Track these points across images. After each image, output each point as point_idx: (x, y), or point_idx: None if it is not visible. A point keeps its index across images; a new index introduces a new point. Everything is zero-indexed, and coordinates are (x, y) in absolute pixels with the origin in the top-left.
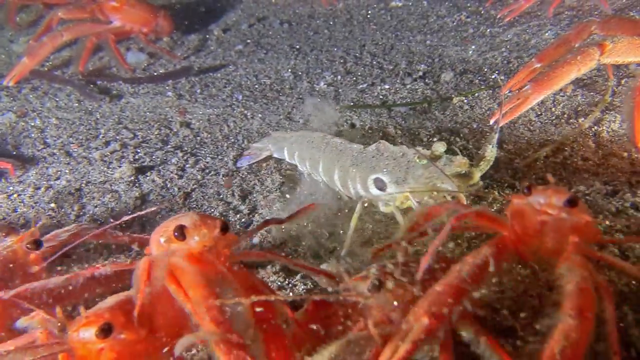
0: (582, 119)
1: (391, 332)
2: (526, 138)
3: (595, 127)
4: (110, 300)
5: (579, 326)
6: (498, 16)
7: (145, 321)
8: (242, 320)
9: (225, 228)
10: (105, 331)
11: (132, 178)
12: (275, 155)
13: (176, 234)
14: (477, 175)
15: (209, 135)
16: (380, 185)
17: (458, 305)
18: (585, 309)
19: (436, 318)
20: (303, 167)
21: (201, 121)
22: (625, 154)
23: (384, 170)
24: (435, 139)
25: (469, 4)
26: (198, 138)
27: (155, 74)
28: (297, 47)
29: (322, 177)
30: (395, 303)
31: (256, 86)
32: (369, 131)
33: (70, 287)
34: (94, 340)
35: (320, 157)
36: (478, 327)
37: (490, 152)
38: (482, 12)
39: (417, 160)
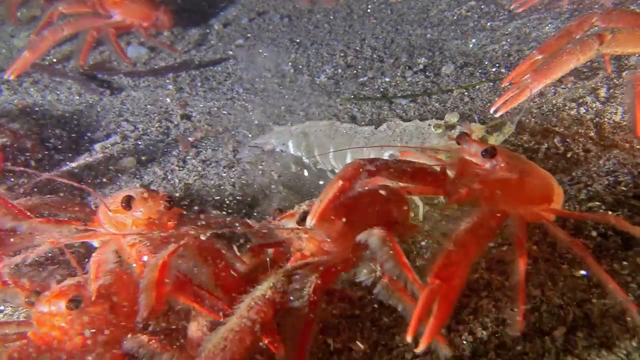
0: (574, 104)
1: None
2: (528, 129)
3: (597, 119)
4: (74, 279)
5: (458, 251)
6: (511, 7)
7: (108, 296)
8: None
9: (170, 203)
10: (75, 302)
11: (133, 170)
12: (278, 149)
13: (123, 204)
14: (491, 142)
15: (210, 128)
16: None
17: (362, 172)
18: (466, 243)
19: (348, 180)
20: (310, 157)
21: (202, 114)
22: (627, 145)
23: (398, 145)
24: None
25: None
26: (199, 130)
27: (156, 67)
28: (298, 41)
29: (333, 163)
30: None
31: (257, 80)
32: (370, 123)
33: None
34: (63, 312)
35: (331, 144)
36: (385, 234)
37: (508, 128)
38: (482, 7)
39: (433, 130)
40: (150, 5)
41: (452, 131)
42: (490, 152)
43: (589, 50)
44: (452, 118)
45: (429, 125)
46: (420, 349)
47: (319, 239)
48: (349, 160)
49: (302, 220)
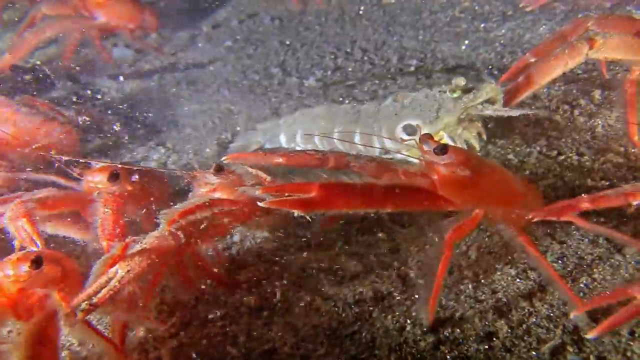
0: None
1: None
2: (518, 131)
3: (591, 122)
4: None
5: (357, 187)
6: (521, 5)
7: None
8: None
9: (115, 176)
10: (37, 264)
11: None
12: (267, 146)
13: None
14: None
15: (194, 131)
16: (411, 131)
17: None
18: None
19: None
20: (308, 144)
21: (185, 117)
22: (622, 149)
23: (412, 115)
24: None
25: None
26: (182, 134)
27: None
28: (287, 43)
29: (340, 147)
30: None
31: (244, 82)
32: None
33: None
34: (23, 274)
35: (335, 126)
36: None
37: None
38: (476, 8)
39: (449, 95)
40: (136, 7)
41: (469, 94)
42: (440, 149)
43: (577, 55)
44: (460, 82)
45: (441, 91)
46: (262, 203)
47: (230, 185)
48: (357, 140)
49: (215, 171)
